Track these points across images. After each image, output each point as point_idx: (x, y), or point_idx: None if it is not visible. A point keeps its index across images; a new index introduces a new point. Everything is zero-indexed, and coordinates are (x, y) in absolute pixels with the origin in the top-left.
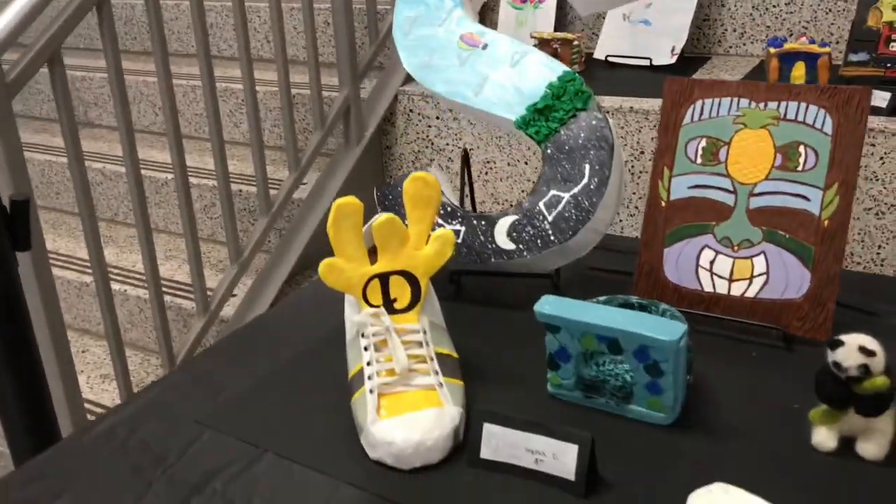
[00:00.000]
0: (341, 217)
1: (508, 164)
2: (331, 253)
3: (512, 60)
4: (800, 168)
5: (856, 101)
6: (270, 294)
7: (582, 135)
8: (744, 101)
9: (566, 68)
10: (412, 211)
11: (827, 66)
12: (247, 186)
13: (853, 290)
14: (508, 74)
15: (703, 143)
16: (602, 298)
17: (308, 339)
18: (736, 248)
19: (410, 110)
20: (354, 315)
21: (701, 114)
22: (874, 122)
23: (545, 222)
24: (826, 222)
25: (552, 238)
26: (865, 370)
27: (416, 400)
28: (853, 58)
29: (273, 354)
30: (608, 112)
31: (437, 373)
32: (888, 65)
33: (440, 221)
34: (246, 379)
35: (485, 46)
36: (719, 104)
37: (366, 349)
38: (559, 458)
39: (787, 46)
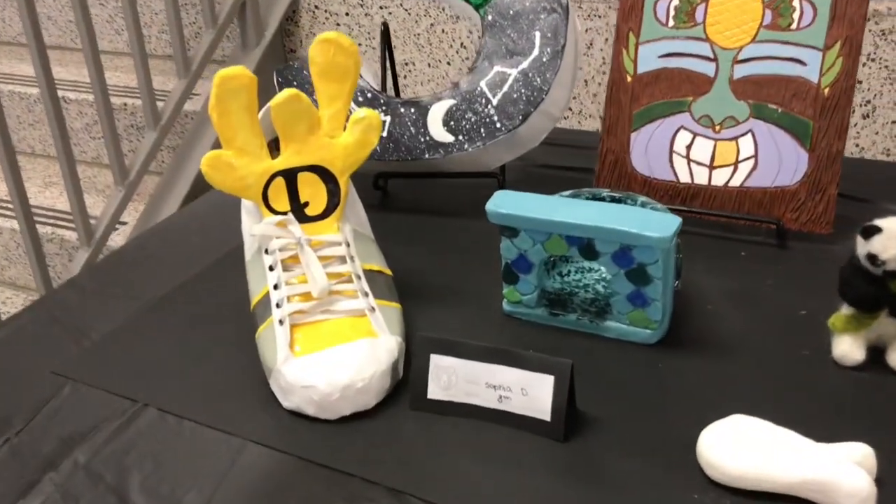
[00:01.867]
0: (227, 95)
1: (429, 66)
2: None
3: None
4: (794, 26)
5: None
6: None
7: (528, 1)
8: None
9: None
10: (323, 86)
11: None
12: (132, 99)
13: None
14: None
15: (676, 1)
16: (566, 193)
17: (198, 261)
18: (718, 127)
19: (316, 6)
20: (254, 226)
21: None
22: None
23: (489, 106)
24: (826, 90)
25: (498, 125)
26: None
27: (340, 330)
28: None
29: (154, 285)
30: None
31: (366, 294)
32: None
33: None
34: (119, 316)
35: None
36: None
37: (271, 269)
38: (529, 392)
39: None
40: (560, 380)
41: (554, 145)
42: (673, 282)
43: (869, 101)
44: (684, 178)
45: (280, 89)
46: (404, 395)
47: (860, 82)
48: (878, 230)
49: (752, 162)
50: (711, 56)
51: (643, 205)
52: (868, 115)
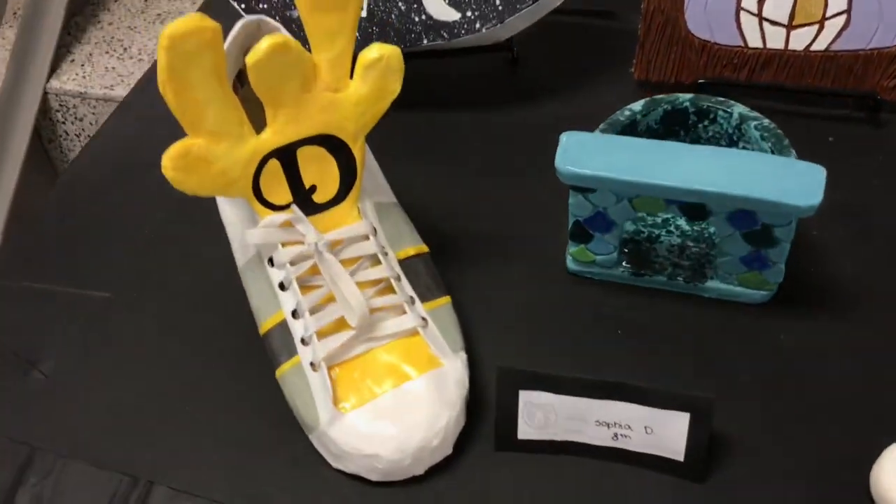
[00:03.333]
0: (183, 61)
1: None
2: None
3: None
4: None
5: None
6: None
7: None
8: None
9: None
10: (317, 19)
11: None
12: None
13: None
14: None
15: None
16: (637, 107)
17: (158, 232)
18: None
19: None
20: (247, 231)
21: None
22: None
23: None
24: None
25: None
26: None
27: (392, 363)
28: None
29: (97, 271)
30: None
31: (412, 301)
32: None
33: None
34: (69, 326)
35: None
36: None
37: (283, 288)
38: (656, 431)
39: None
40: (698, 418)
41: None
42: None
43: None
44: (754, 42)
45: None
46: (478, 427)
47: None
48: None
49: (844, 17)
50: None
51: (741, 116)
52: None
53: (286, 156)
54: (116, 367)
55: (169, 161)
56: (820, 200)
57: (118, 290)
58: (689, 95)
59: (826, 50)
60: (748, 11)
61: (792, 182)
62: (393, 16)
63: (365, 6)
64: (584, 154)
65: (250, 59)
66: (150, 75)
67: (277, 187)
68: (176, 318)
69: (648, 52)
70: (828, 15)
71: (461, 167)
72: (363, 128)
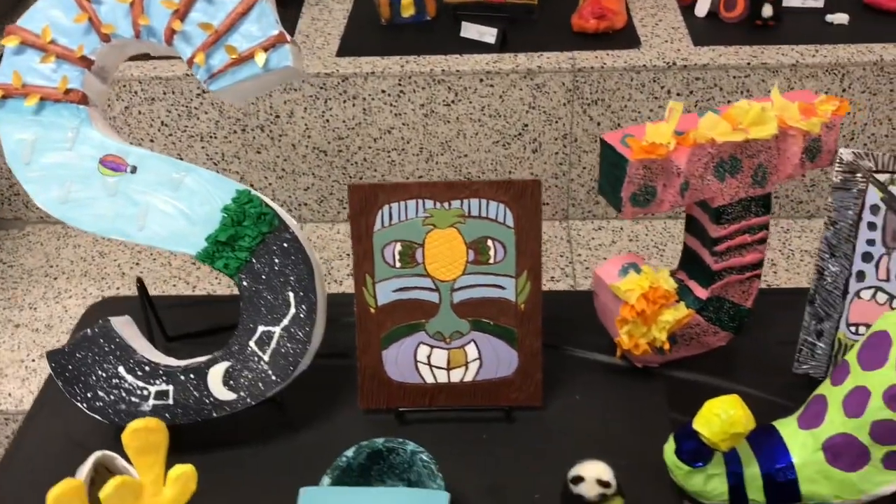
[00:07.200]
0: None
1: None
2: None
3: (172, 183)
4: (491, 261)
5: (529, 193)
6: None
7: (276, 260)
8: (429, 203)
9: (238, 186)
10: (140, 459)
11: None
12: None
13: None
14: (171, 200)
15: (399, 247)
16: (350, 454)
17: None
18: (448, 340)
19: None
20: None
21: (391, 219)
22: (486, 60)
23: (262, 363)
24: (522, 306)
25: (274, 378)
26: (604, 497)
27: None
28: None
29: None
30: None
31: None
32: None
33: (140, 384)
34: None
35: (133, 169)
36: (406, 207)
37: None
38: None
39: None
40: None
41: None
42: None
43: None
44: (430, 379)
45: (56, 375)
46: None
47: None
48: (582, 479)
49: (478, 362)
50: (434, 287)
51: (412, 455)
52: None
53: None
54: None
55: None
56: None
57: None
58: (381, 440)
59: (472, 381)
60: (422, 363)
61: None
62: (191, 400)
63: (170, 398)
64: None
65: (103, 496)
66: None
67: None
68: None
69: (367, 392)
70: (468, 360)
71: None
72: None
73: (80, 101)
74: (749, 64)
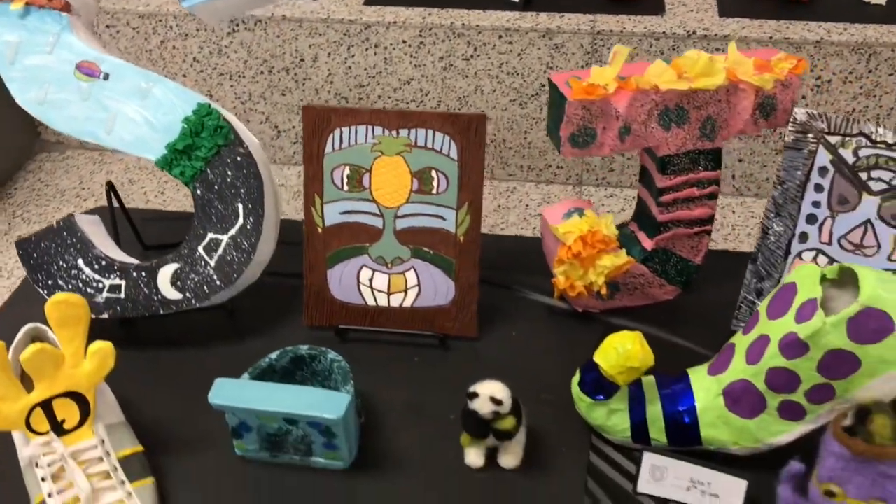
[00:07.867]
0: None
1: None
2: None
3: (140, 92)
4: (434, 191)
5: (474, 127)
6: None
7: (229, 173)
8: (378, 129)
9: (200, 99)
10: (62, 331)
11: None
12: None
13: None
14: (138, 108)
15: (347, 170)
16: (274, 356)
17: None
18: (389, 265)
19: None
20: (24, 448)
21: (341, 142)
22: (507, 17)
23: (208, 267)
24: (461, 238)
25: (218, 283)
26: (497, 414)
27: None
28: None
29: None
30: None
31: (123, 483)
32: None
33: (97, 277)
34: None
35: (106, 76)
36: (356, 132)
37: (43, 480)
38: None
39: None
40: None
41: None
42: (356, 426)
43: None
44: (371, 302)
45: (23, 261)
46: None
47: None
48: (476, 395)
49: (416, 289)
50: (378, 213)
51: (332, 363)
52: None
53: (46, 405)
54: None
55: None
56: (342, 415)
57: None
58: (305, 347)
59: (411, 307)
60: (364, 285)
61: (328, 404)
62: (140, 296)
63: (122, 291)
64: (223, 394)
65: (24, 357)
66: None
67: (41, 422)
68: None
69: (311, 309)
70: (408, 287)
71: (180, 387)
72: (93, 385)
73: (62, 8)
74: (772, 38)
